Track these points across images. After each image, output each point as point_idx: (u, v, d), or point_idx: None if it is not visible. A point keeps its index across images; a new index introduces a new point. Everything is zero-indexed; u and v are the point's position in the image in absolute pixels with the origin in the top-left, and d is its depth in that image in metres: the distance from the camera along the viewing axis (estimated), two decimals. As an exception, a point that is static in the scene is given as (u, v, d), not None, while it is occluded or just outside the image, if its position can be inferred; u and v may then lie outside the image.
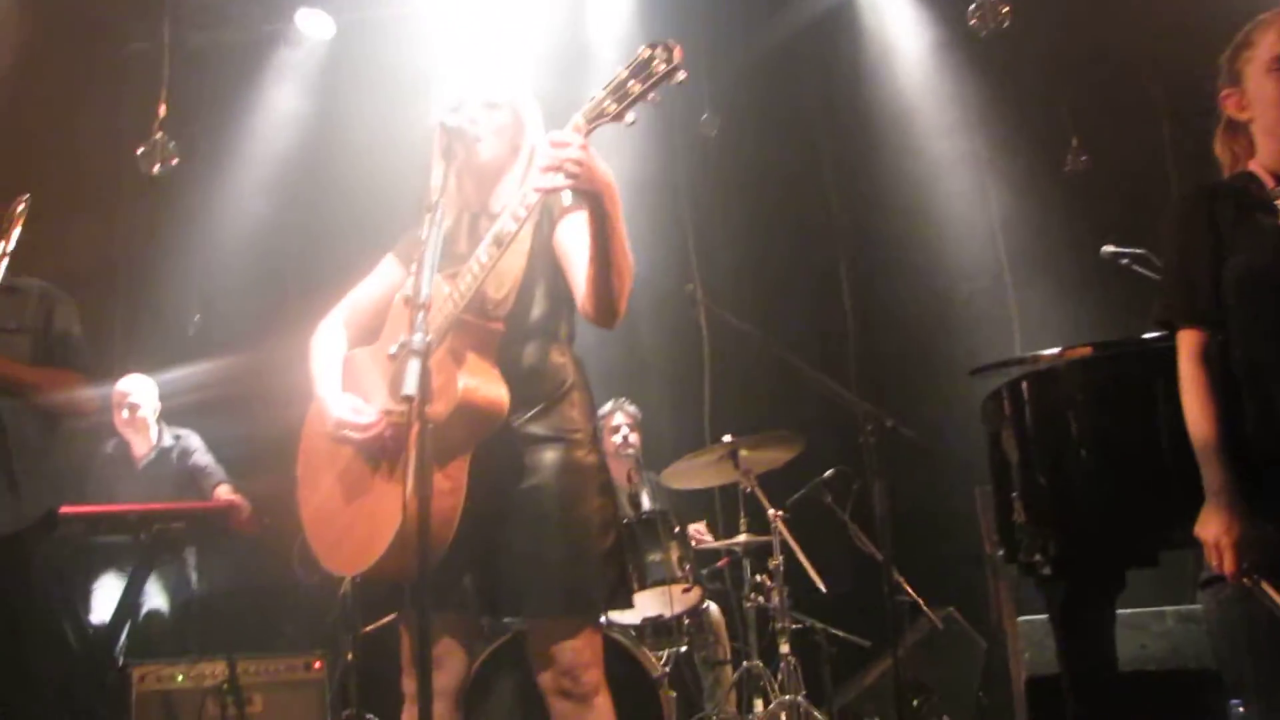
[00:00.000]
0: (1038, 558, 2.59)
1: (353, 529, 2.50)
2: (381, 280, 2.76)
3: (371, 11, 6.29)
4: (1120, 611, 2.65)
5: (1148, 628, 3.32)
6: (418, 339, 2.12)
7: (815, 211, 6.33)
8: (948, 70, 6.05)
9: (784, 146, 6.00)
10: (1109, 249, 4.59)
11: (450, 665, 2.54)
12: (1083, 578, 2.56)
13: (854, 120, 6.30)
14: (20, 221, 3.53)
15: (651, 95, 2.13)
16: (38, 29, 5.34)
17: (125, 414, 5.30)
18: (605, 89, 2.19)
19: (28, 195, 3.57)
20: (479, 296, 2.42)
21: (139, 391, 5.36)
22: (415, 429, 2.10)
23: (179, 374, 5.60)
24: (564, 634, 2.42)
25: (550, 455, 2.49)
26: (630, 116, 2.16)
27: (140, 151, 5.53)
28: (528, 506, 2.45)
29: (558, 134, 2.21)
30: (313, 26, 6.34)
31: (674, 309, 5.60)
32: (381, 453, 2.50)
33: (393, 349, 2.26)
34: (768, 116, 6.27)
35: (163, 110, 5.51)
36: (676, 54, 2.09)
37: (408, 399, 2.05)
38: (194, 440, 5.42)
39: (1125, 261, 4.44)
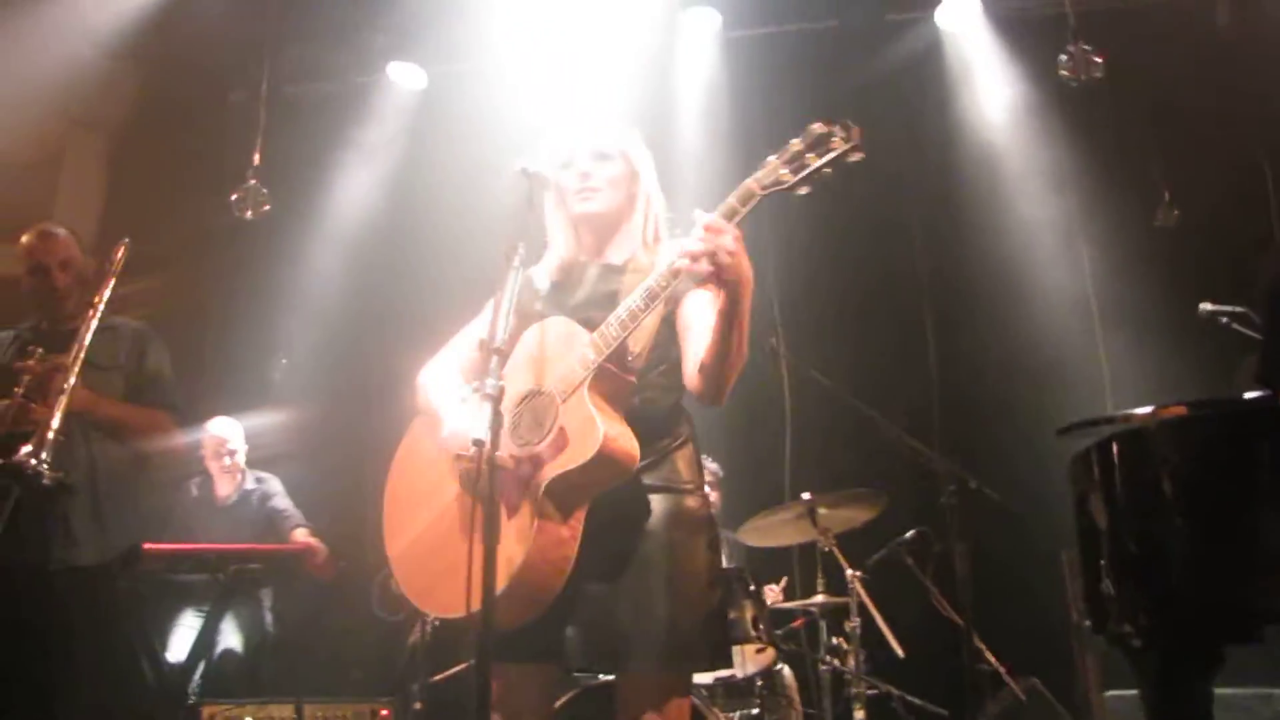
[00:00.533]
0: (1127, 628, 2.48)
1: (456, 571, 2.38)
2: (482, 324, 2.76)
3: (462, 65, 6.40)
4: (1221, 691, 2.50)
5: (1253, 710, 3.12)
6: (490, 384, 2.11)
7: (901, 265, 6.26)
8: (1037, 119, 5.97)
9: (869, 197, 5.82)
10: (1207, 307, 4.48)
11: (533, 718, 2.52)
12: (1177, 652, 2.44)
13: (941, 170, 6.22)
14: (119, 266, 3.64)
15: (827, 170, 2.15)
16: (149, 76, 5.65)
17: (221, 458, 5.45)
18: (779, 157, 2.22)
19: (127, 240, 3.73)
20: (621, 348, 2.42)
21: (234, 435, 5.52)
22: (486, 473, 2.10)
23: (263, 419, 5.76)
24: (659, 692, 2.38)
25: (661, 505, 2.49)
26: (804, 189, 2.20)
27: (234, 197, 5.68)
28: (637, 556, 2.45)
29: (712, 218, 2.21)
30: (404, 79, 6.48)
31: (756, 363, 5.37)
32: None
33: (465, 392, 2.33)
34: (852, 166, 6.14)
35: (257, 158, 5.65)
36: (855, 134, 2.15)
37: (478, 443, 2.04)
38: (275, 484, 5.53)
39: (1225, 320, 4.34)
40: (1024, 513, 4.81)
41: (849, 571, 4.45)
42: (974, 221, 6.08)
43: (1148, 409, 2.67)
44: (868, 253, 6.26)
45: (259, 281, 6.14)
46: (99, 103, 5.56)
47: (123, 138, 5.45)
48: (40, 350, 3.43)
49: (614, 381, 2.45)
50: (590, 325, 2.49)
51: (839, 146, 2.16)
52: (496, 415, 2.10)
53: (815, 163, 2.17)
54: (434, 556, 2.53)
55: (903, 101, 6.15)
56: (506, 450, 2.44)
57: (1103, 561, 2.59)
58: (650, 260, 2.58)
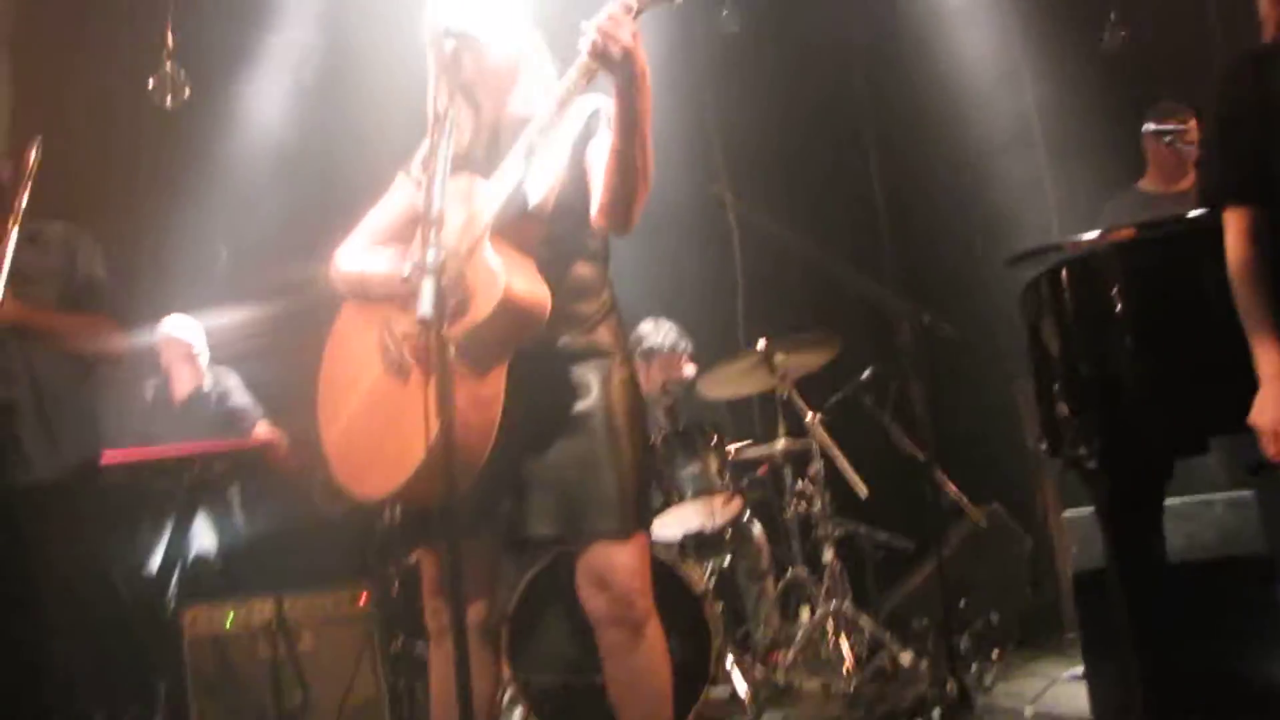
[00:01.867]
0: (1082, 451, 2.53)
1: (381, 450, 2.44)
2: (396, 201, 2.72)
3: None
4: (1168, 502, 2.59)
5: (1197, 517, 3.21)
6: (431, 255, 2.04)
7: (844, 104, 6.15)
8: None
9: (809, 35, 5.79)
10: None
11: (479, 596, 2.52)
12: (1129, 469, 2.50)
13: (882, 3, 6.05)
14: (35, 166, 3.45)
15: None
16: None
17: (185, 360, 5.35)
18: None
19: (39, 137, 3.48)
20: (518, 196, 2.38)
21: (196, 336, 5.40)
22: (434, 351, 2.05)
23: (213, 316, 5.58)
24: (619, 558, 2.38)
25: (592, 374, 2.47)
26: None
27: (151, 85, 5.37)
28: (572, 427, 2.42)
29: (613, 9, 2.18)
30: None
31: (701, 212, 5.48)
32: (407, 368, 2.45)
33: (406, 269, 2.23)
34: (790, 6, 6.03)
35: (170, 39, 5.32)
36: None
37: (423, 321, 2.00)
38: (232, 380, 5.44)
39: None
40: (979, 345, 4.85)
41: (809, 415, 4.44)
42: (917, 50, 5.96)
43: (1095, 234, 2.72)
44: (810, 93, 6.13)
45: (192, 170, 5.83)
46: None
47: (19, 17, 5.08)
48: None
49: (517, 233, 2.40)
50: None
51: None
52: (439, 290, 2.03)
53: None
54: (363, 439, 2.51)
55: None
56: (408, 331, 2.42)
57: (1056, 386, 2.63)
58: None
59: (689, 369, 5.04)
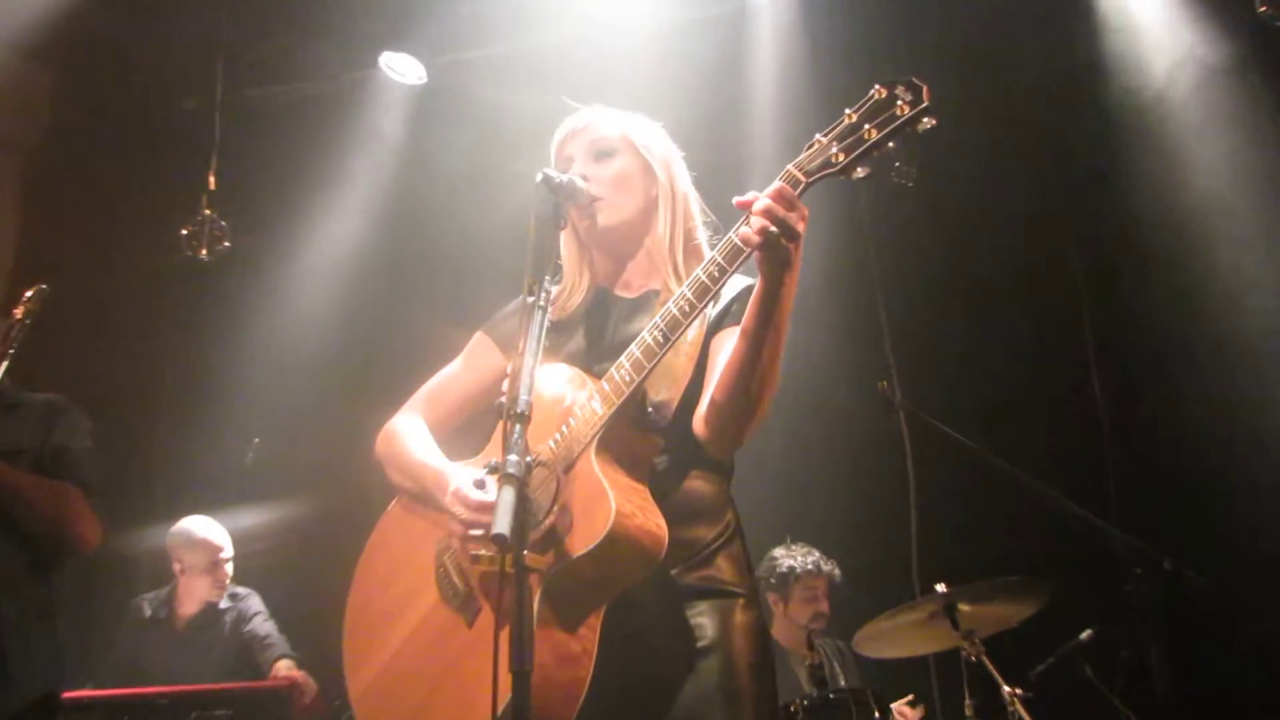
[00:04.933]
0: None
1: (429, 713, 2.44)
2: (472, 367, 2.81)
3: (468, 51, 6.35)
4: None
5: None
6: (514, 461, 2.04)
7: (1052, 271, 6.04)
8: (1221, 74, 5.66)
9: (1004, 190, 5.81)
10: None
11: None
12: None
13: (1098, 135, 5.97)
14: (29, 321, 3.57)
15: (891, 144, 2.18)
16: (71, 80, 5.55)
17: (211, 570, 5.44)
18: (827, 135, 2.24)
19: (42, 286, 3.62)
20: (638, 397, 2.43)
21: (224, 539, 5.49)
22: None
23: (239, 519, 5.73)
24: None
25: (708, 618, 2.49)
26: (861, 170, 2.22)
27: (185, 232, 5.62)
28: (682, 689, 2.43)
29: (782, 186, 2.24)
30: (400, 72, 6.38)
31: (860, 415, 5.49)
32: (473, 603, 2.48)
33: (481, 472, 2.34)
34: (978, 152, 5.89)
35: (212, 180, 5.60)
36: (925, 94, 2.15)
37: (500, 541, 1.97)
38: (254, 602, 5.52)
39: None
40: (1241, 600, 4.78)
41: (1005, 688, 4.32)
42: (1149, 206, 5.74)
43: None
44: (1004, 257, 6.05)
45: (222, 339, 6.11)
46: (8, 114, 5.54)
47: (41, 157, 5.47)
48: None
49: (631, 442, 2.44)
50: (599, 372, 2.50)
51: (903, 113, 2.15)
52: (523, 503, 2.03)
53: (873, 137, 2.17)
54: (405, 693, 2.52)
55: (1042, 52, 5.92)
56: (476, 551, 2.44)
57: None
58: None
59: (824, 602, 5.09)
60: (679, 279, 2.62)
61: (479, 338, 2.82)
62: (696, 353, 2.53)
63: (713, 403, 2.40)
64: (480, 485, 2.41)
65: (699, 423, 2.45)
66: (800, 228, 2.23)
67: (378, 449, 2.81)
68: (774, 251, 2.24)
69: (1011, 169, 5.94)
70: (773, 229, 2.21)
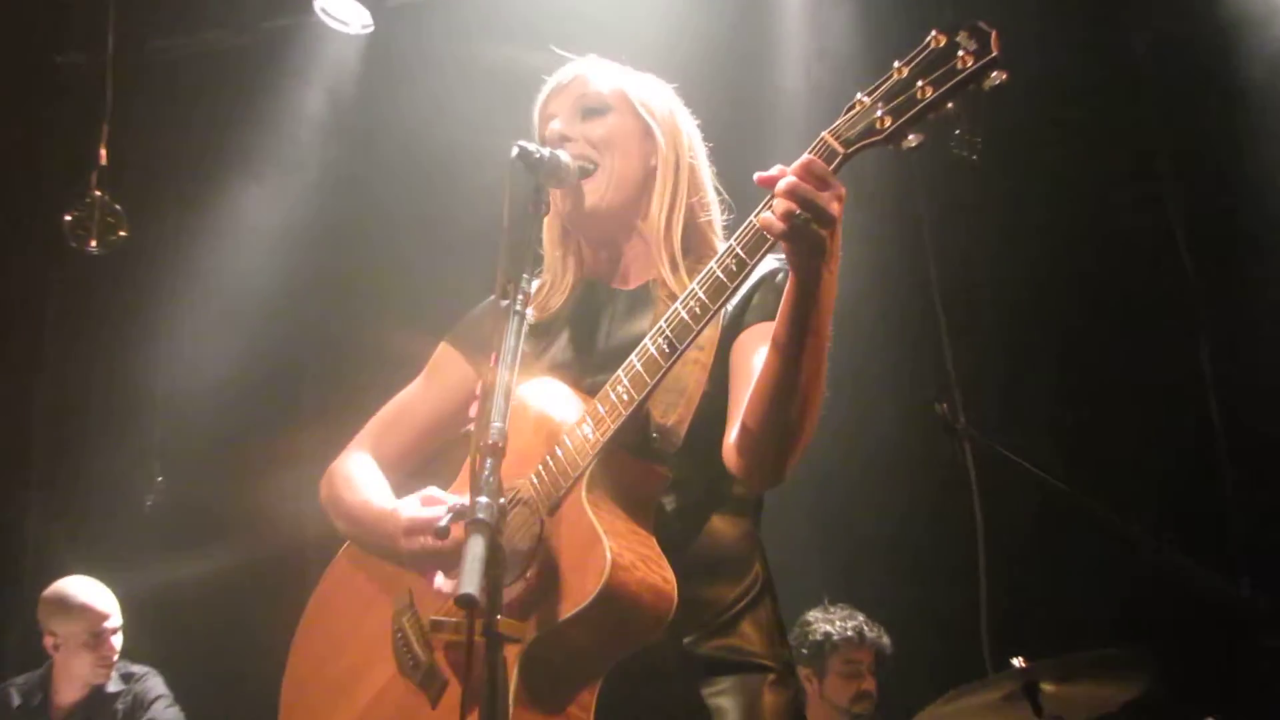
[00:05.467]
0: None
1: None
2: (437, 385, 2.79)
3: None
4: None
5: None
6: (484, 505, 1.95)
7: (1159, 280, 5.67)
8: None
9: (1099, 169, 5.48)
10: None
11: None
12: None
13: (1210, 92, 5.69)
14: None
15: (949, 105, 2.07)
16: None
17: (95, 645, 5.17)
18: (871, 94, 2.12)
19: None
20: (639, 419, 2.36)
21: (111, 605, 5.20)
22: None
23: (132, 575, 5.45)
24: None
25: (730, 698, 2.42)
26: (913, 138, 2.11)
27: (69, 219, 5.37)
28: None
29: (812, 160, 2.13)
30: (340, 19, 6.13)
31: (920, 445, 5.27)
32: (439, 679, 2.42)
33: (443, 519, 2.26)
34: (1067, 119, 5.68)
35: (103, 155, 5.30)
36: (994, 42, 2.01)
37: (467, 603, 1.86)
38: (153, 683, 5.29)
39: None
40: None
41: None
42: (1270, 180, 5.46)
43: None
44: (1095, 251, 5.72)
45: (114, 350, 5.83)
46: None
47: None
48: None
49: (631, 476, 2.38)
50: (592, 387, 2.46)
51: (966, 66, 2.00)
52: (495, 556, 1.94)
53: (928, 97, 2.03)
54: None
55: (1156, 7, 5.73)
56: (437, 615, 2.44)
57: None
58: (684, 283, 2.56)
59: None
60: (674, 268, 2.59)
61: (443, 349, 2.80)
62: (711, 360, 2.46)
63: (745, 430, 2.31)
64: (443, 534, 2.31)
65: (730, 453, 2.36)
66: (835, 210, 2.10)
67: (322, 496, 2.78)
68: (804, 240, 2.11)
69: (1111, 143, 5.66)
70: (801, 213, 2.08)
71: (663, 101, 2.72)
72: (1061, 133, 5.68)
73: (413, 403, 2.81)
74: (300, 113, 6.25)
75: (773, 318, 2.33)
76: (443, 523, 2.26)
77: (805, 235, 2.09)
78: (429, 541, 2.39)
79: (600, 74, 2.70)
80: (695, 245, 2.64)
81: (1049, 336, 5.77)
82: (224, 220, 6.14)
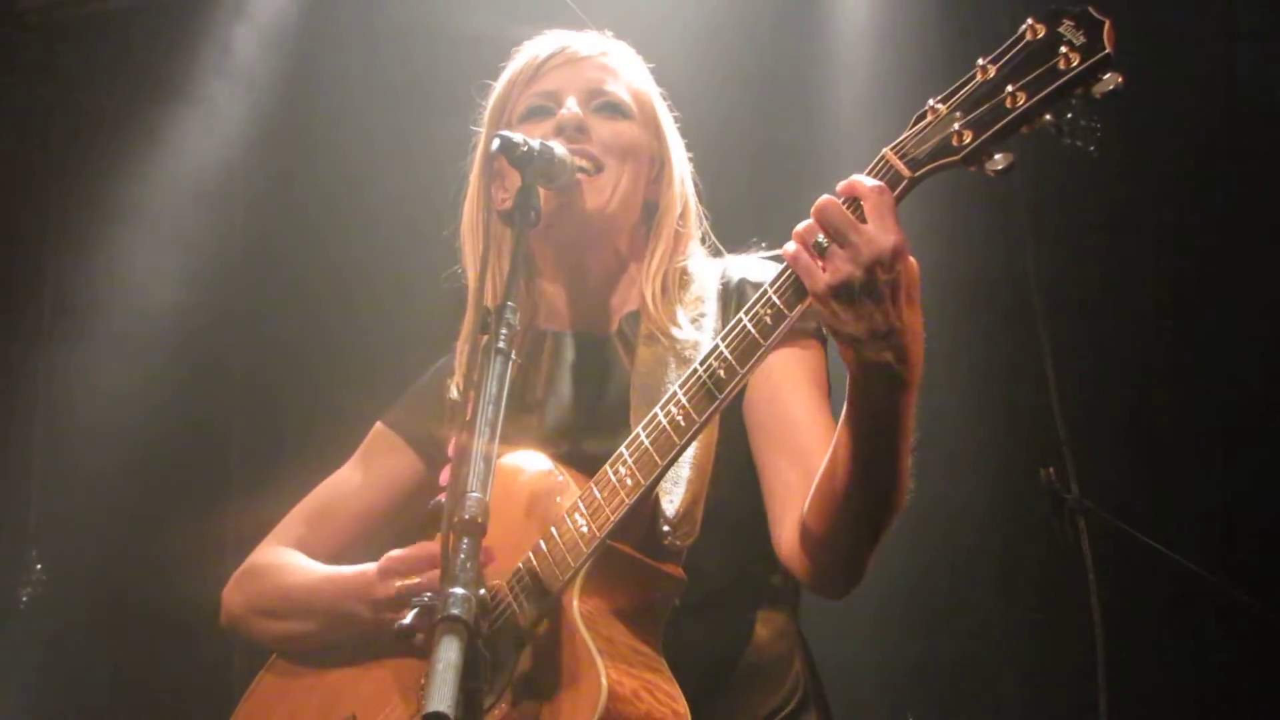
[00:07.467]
0: None
1: None
2: (372, 473, 2.69)
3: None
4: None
5: None
6: (457, 598, 1.76)
7: None
8: None
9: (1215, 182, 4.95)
10: None
11: None
12: None
13: None
14: None
15: (1048, 116, 1.84)
16: None
17: None
18: (948, 100, 1.92)
19: None
20: (646, 509, 2.18)
21: None
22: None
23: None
24: None
25: None
26: (999, 158, 1.87)
27: None
28: None
29: (865, 179, 1.92)
30: None
31: (1018, 520, 4.93)
32: None
33: (405, 619, 2.04)
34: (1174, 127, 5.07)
35: None
36: (1107, 34, 1.78)
37: None
38: None
39: None
40: None
41: None
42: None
43: None
44: (1239, 277, 5.13)
45: None
46: None
47: None
48: None
49: (635, 578, 2.19)
50: (579, 460, 2.32)
51: (1070, 66, 1.76)
52: (473, 664, 1.75)
53: (1020, 105, 1.79)
54: None
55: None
56: None
57: None
58: (676, 318, 2.47)
59: None
60: (657, 305, 2.46)
61: (378, 430, 2.71)
62: (715, 432, 2.31)
63: (807, 533, 2.13)
64: (406, 634, 2.02)
65: (793, 556, 2.19)
66: (885, 268, 1.83)
67: (226, 605, 2.62)
68: (849, 308, 1.86)
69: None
70: (843, 279, 1.86)
71: (671, 120, 2.63)
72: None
73: (342, 491, 2.71)
74: (208, 99, 5.74)
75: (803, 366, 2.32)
76: (406, 621, 2.02)
77: (851, 303, 1.84)
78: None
79: (627, 67, 2.59)
80: (674, 286, 2.53)
81: (1188, 385, 5.26)
82: (117, 234, 5.61)
